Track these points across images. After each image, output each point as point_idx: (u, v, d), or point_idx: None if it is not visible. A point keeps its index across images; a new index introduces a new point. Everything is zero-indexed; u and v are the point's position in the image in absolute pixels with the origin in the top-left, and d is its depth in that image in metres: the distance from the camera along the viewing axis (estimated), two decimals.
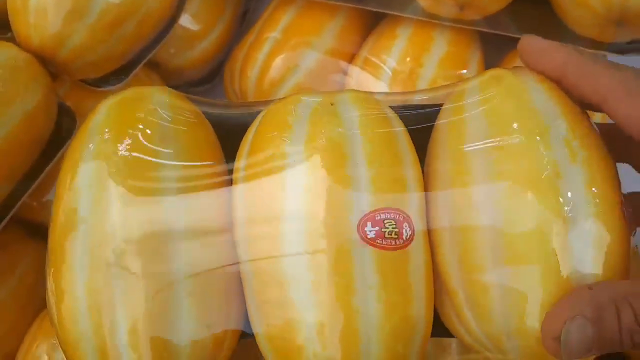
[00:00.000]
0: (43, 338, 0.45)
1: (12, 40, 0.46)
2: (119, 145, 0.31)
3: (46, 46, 0.44)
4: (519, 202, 0.28)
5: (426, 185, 0.31)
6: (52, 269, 0.30)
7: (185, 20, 0.58)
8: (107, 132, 0.31)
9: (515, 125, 0.29)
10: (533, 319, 0.27)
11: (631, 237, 0.30)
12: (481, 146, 0.30)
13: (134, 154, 0.31)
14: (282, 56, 0.55)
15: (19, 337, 0.46)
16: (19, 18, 0.45)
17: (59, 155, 0.47)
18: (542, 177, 0.28)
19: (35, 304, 0.49)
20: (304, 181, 0.29)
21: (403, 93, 0.39)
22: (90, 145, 0.31)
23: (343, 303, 0.28)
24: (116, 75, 0.51)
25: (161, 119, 0.32)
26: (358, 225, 0.29)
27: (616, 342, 0.25)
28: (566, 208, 0.27)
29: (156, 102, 0.33)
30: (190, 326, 0.29)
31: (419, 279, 0.30)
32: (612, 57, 0.53)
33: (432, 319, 0.31)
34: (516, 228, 0.28)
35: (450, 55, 0.53)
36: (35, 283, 0.50)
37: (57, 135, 0.47)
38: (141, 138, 0.31)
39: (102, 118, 0.32)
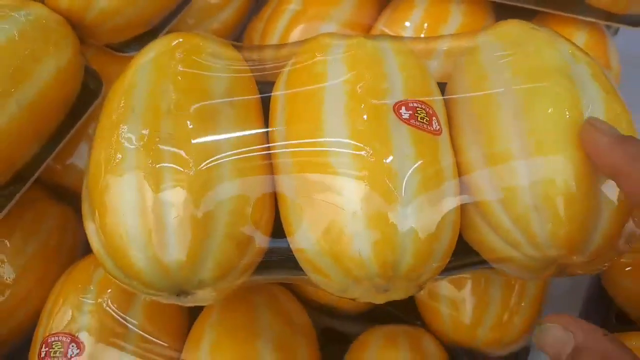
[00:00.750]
0: (68, 294, 0.46)
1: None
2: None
3: (74, 8, 0.45)
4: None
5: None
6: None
7: None
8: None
9: None
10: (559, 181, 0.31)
11: None
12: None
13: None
14: (301, 27, 0.56)
15: (45, 293, 0.47)
16: None
17: (84, 117, 0.48)
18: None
19: (60, 262, 0.50)
20: (344, 76, 0.34)
21: (429, 39, 0.43)
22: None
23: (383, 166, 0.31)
24: (140, 41, 0.51)
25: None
26: (394, 107, 0.32)
27: None
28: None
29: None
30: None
31: (448, 165, 0.33)
32: (626, 29, 0.54)
33: (459, 213, 0.34)
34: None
35: (465, 26, 0.54)
36: (59, 243, 0.51)
37: (83, 97, 0.48)
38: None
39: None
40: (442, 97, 0.37)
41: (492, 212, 0.33)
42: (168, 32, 0.53)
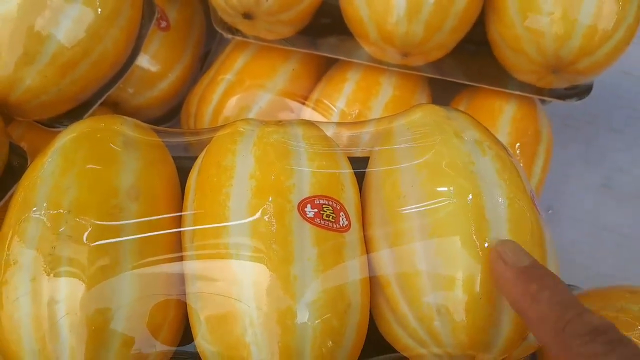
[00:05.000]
0: None
1: None
2: None
3: None
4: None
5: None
6: None
7: (145, 61, 0.60)
8: None
9: None
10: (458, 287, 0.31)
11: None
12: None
13: None
14: (236, 97, 0.57)
15: None
16: None
17: (8, 195, 0.47)
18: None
19: None
20: (251, 171, 0.34)
21: (352, 124, 0.43)
22: None
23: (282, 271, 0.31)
24: (71, 115, 0.51)
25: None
26: (298, 206, 0.32)
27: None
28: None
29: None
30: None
31: (354, 264, 0.33)
32: (555, 102, 0.55)
33: (367, 309, 0.33)
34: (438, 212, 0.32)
35: (396, 99, 0.55)
36: None
37: (7, 175, 0.47)
38: None
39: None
40: (355, 180, 0.37)
41: (399, 310, 0.33)
42: (105, 104, 0.54)
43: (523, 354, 0.38)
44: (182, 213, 0.36)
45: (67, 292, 0.30)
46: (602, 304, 0.50)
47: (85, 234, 0.32)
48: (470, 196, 0.33)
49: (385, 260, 0.34)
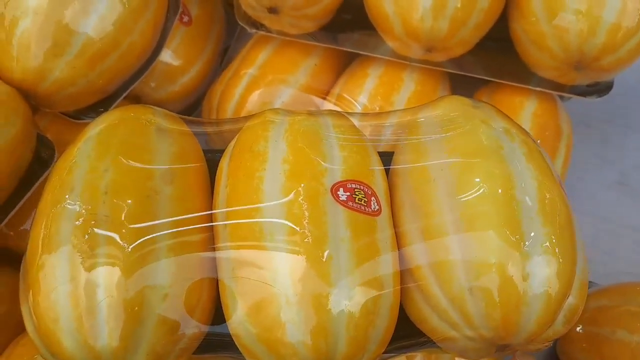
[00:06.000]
0: None
1: None
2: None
3: (28, 80, 0.46)
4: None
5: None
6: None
7: (167, 56, 0.60)
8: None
9: None
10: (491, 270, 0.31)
11: None
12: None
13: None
14: (259, 91, 0.57)
15: None
16: (3, 51, 0.46)
17: (36, 184, 0.48)
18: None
19: (9, 329, 0.49)
20: (284, 156, 0.35)
21: (376, 114, 0.44)
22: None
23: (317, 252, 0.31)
24: (96, 107, 0.52)
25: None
26: (331, 189, 0.33)
27: None
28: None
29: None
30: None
31: (386, 247, 0.33)
32: (572, 100, 0.56)
33: (399, 292, 0.34)
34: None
35: (417, 94, 0.55)
36: (9, 309, 0.50)
37: (36, 166, 0.48)
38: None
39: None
40: (383, 168, 0.38)
41: (430, 291, 0.33)
42: (127, 97, 0.54)
43: (549, 338, 0.38)
44: (216, 198, 0.37)
45: (105, 273, 0.31)
46: (623, 299, 0.50)
47: (123, 214, 0.33)
48: (501, 180, 0.33)
49: (416, 246, 0.34)
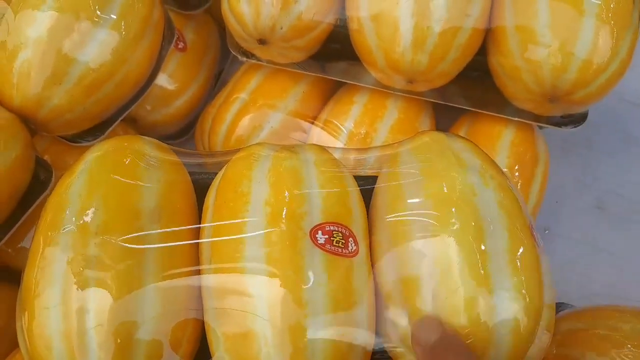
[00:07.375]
0: None
1: None
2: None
3: (27, 107, 0.48)
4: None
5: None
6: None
7: (163, 80, 0.63)
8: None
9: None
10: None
11: None
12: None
13: None
14: (249, 116, 0.60)
15: None
16: (3, 78, 0.48)
17: (35, 205, 0.50)
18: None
19: (5, 345, 0.51)
20: (265, 197, 0.36)
21: (358, 150, 0.46)
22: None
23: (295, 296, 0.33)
24: (93, 132, 0.54)
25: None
26: (310, 232, 0.35)
27: None
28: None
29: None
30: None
31: (362, 288, 0.35)
32: (551, 129, 0.58)
33: (374, 334, 0.35)
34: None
35: (401, 121, 0.57)
36: (7, 324, 0.52)
37: (34, 187, 0.50)
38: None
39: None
40: (363, 204, 0.39)
41: (401, 325, 0.35)
42: (124, 119, 0.56)
43: None
44: (200, 240, 0.38)
45: (95, 308, 0.33)
46: (593, 323, 0.52)
47: (111, 254, 0.35)
48: (472, 227, 0.34)
49: (389, 279, 0.37)
